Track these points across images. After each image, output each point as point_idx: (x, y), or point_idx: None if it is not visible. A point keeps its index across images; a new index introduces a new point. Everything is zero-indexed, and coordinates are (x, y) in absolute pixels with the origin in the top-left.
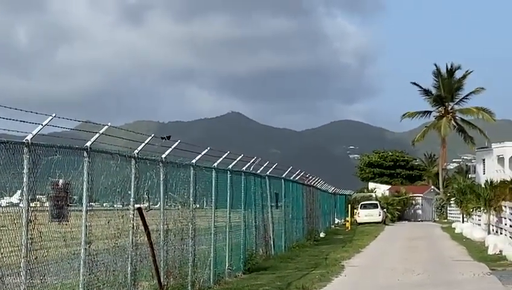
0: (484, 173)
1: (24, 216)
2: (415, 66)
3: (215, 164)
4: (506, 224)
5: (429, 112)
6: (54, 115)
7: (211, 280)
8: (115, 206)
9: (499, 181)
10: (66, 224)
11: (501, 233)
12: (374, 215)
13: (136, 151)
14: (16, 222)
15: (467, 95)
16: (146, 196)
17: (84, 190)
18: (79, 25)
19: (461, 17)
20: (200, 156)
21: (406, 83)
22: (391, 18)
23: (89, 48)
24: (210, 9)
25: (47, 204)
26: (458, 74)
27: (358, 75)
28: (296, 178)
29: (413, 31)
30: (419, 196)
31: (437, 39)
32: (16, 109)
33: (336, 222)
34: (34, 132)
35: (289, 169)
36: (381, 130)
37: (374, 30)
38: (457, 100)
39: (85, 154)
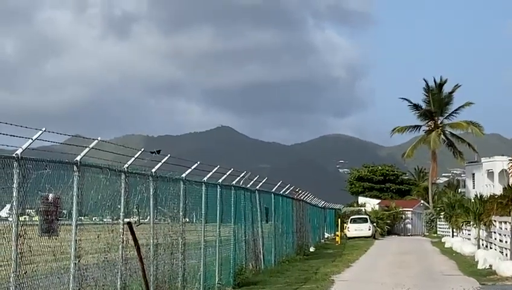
0: (474, 188)
1: (14, 230)
2: (407, 79)
3: (205, 178)
4: (495, 239)
5: (419, 127)
6: (43, 129)
7: None
8: (105, 220)
9: (488, 195)
10: (56, 238)
11: (491, 248)
12: (363, 229)
13: (126, 165)
14: (5, 236)
15: (456, 110)
16: (136, 210)
17: (74, 204)
18: (65, 37)
19: (452, 31)
20: (190, 170)
21: (397, 96)
22: (382, 31)
23: (76, 60)
24: (196, 21)
25: (37, 218)
26: (447, 88)
27: (348, 89)
28: (286, 192)
29: (404, 44)
30: (409, 211)
31: (428, 53)
32: (5, 123)
33: (326, 236)
34: (24, 146)
35: (279, 183)
36: (371, 145)
37: (365, 43)
38: (447, 114)
39: (75, 168)
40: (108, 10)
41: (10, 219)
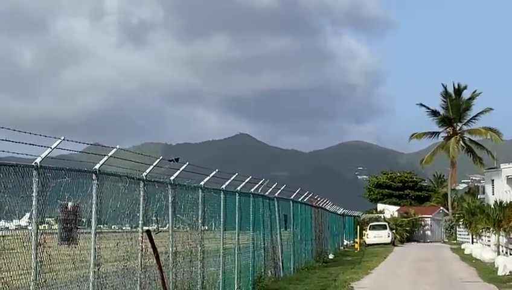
0: (493, 194)
1: (33, 239)
2: (425, 86)
3: (224, 186)
4: None
5: (437, 133)
6: (62, 138)
7: None
8: (124, 228)
9: (508, 202)
10: (75, 247)
11: (511, 254)
12: (382, 236)
13: (145, 173)
14: (25, 244)
15: (475, 116)
16: (154, 218)
17: (93, 212)
18: (83, 45)
19: (471, 37)
20: (208, 177)
21: (416, 103)
22: (400, 38)
23: (94, 69)
24: (214, 29)
25: (56, 227)
26: (466, 94)
27: (366, 96)
28: (305, 199)
29: (423, 50)
30: (428, 217)
31: (447, 59)
32: (24, 132)
33: (345, 243)
34: (43, 155)
35: (297, 190)
36: (390, 151)
37: (382, 50)
38: (466, 121)
39: (94, 176)
40: (125, 18)
41: (30, 228)
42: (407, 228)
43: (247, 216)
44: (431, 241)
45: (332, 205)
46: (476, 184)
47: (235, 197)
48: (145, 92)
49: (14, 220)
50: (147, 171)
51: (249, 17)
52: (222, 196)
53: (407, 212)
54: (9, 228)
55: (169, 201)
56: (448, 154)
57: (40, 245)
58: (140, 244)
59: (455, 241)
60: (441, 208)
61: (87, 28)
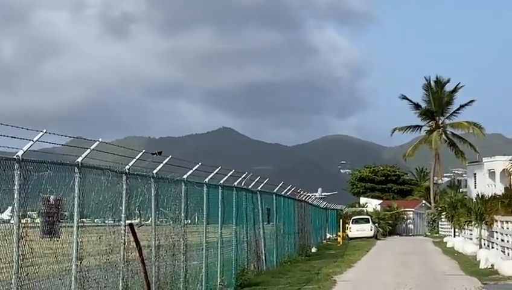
0: (475, 187)
1: (15, 233)
2: (409, 79)
3: (207, 179)
4: (497, 238)
5: (420, 127)
6: (44, 130)
7: None
8: (106, 222)
9: (490, 195)
10: (57, 240)
11: (492, 247)
12: (365, 230)
13: (127, 167)
14: (6, 238)
15: (457, 109)
16: (137, 212)
17: (76, 205)
18: (64, 39)
19: (455, 31)
20: (191, 171)
21: (399, 97)
22: (383, 31)
23: (75, 62)
24: (197, 22)
25: (38, 220)
26: (448, 88)
27: (350, 89)
28: (288, 193)
29: (407, 44)
30: (410, 211)
31: (430, 53)
32: (6, 125)
33: (328, 237)
34: (25, 148)
35: (280, 184)
36: (373, 145)
37: (366, 43)
38: (448, 114)
39: (76, 170)
40: (107, 11)
41: (12, 221)
42: (390, 222)
43: (230, 210)
44: (413, 235)
45: (316, 198)
46: (458, 178)
47: (218, 191)
48: (128, 85)
49: None
50: (130, 164)
51: (232, 11)
52: (205, 189)
53: (390, 205)
54: None
55: (152, 194)
56: (430, 147)
57: (22, 239)
58: (123, 237)
59: (437, 235)
60: (424, 201)
61: (68, 20)
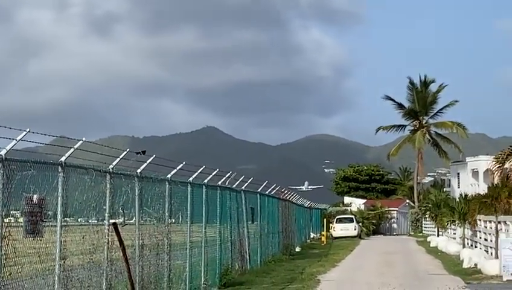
0: (459, 187)
1: None
2: (393, 79)
3: (191, 179)
4: (480, 237)
5: (404, 126)
6: (28, 130)
7: None
8: (90, 221)
9: (473, 195)
10: (41, 240)
11: (476, 247)
12: (349, 229)
13: (111, 166)
14: None
15: (441, 109)
16: (121, 211)
17: (59, 205)
18: (48, 37)
19: (439, 31)
20: (175, 170)
21: (383, 96)
22: (368, 30)
23: (59, 60)
24: (181, 21)
25: (21, 220)
26: (433, 88)
27: (334, 89)
28: (272, 192)
29: (392, 44)
30: (394, 210)
31: (415, 53)
32: None
33: (312, 236)
34: (8, 147)
35: (264, 183)
36: (357, 145)
37: (351, 42)
38: (432, 114)
39: (60, 169)
40: (90, 9)
41: None
42: (374, 221)
43: (214, 209)
44: (397, 234)
45: (299, 198)
46: (441, 177)
47: (202, 190)
48: (112, 84)
49: None
50: (114, 163)
51: (216, 10)
52: (189, 188)
53: (374, 205)
54: None
55: (136, 194)
56: (414, 147)
57: (5, 238)
58: (106, 237)
59: (421, 234)
60: (407, 201)
61: (52, 19)
